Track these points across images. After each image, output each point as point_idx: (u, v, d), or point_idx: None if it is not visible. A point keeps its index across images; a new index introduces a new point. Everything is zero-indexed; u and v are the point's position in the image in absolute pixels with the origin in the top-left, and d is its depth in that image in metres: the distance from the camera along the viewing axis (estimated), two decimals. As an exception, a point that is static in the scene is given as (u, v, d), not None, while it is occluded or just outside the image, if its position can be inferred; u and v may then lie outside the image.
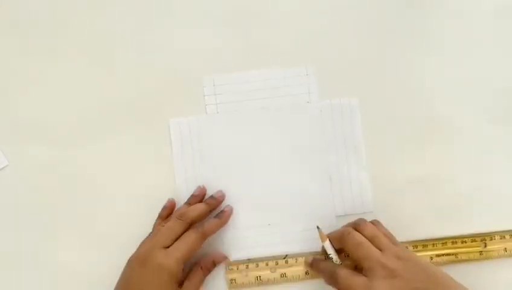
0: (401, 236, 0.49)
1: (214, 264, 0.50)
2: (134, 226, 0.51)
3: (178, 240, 0.46)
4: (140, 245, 0.47)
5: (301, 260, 0.50)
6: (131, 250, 0.50)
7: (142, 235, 0.51)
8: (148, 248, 0.46)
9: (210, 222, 0.49)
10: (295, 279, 0.50)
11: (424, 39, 0.53)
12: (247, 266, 0.50)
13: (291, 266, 0.50)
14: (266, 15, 0.53)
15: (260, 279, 0.50)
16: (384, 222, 0.48)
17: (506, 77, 0.53)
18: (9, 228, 0.51)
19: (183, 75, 0.53)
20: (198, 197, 0.51)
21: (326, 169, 0.52)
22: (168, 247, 0.46)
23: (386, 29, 0.53)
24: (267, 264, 0.50)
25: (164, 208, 0.51)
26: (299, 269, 0.50)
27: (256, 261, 0.50)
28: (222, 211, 0.50)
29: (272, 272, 0.50)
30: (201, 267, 0.49)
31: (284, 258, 0.50)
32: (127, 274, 0.46)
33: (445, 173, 0.52)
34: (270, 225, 0.51)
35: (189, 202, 0.50)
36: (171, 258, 0.45)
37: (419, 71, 0.53)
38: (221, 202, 0.51)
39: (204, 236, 0.48)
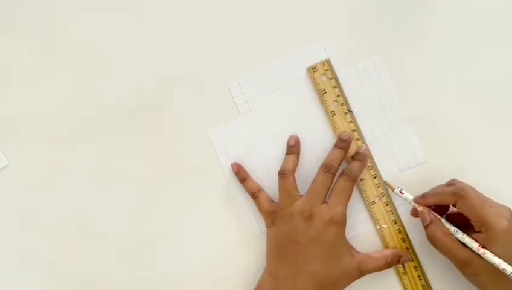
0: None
1: (399, 262, 0.50)
2: (135, 226, 0.51)
3: (335, 192, 0.48)
4: (295, 203, 0.48)
5: None
6: (131, 250, 0.51)
7: (143, 236, 0.51)
8: (307, 205, 0.48)
9: (356, 167, 0.50)
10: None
11: (424, 39, 0.53)
12: None
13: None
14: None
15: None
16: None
17: (506, 77, 0.53)
18: (10, 228, 0.51)
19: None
20: (296, 145, 0.51)
21: (369, 133, 0.52)
22: (325, 200, 0.48)
23: (385, 29, 0.53)
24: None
25: (237, 172, 0.52)
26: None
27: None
28: (360, 154, 0.51)
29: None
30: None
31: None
32: (290, 228, 0.48)
33: (445, 173, 0.52)
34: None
35: (290, 152, 0.51)
36: (337, 213, 0.47)
37: (419, 71, 0.53)
38: (351, 140, 0.51)
39: (355, 182, 0.50)
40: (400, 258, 0.50)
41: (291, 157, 0.51)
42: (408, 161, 0.52)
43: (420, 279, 0.51)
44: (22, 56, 0.52)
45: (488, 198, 0.47)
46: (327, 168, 0.49)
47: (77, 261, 0.51)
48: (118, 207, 0.51)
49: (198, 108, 0.52)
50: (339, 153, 0.50)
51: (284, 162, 0.51)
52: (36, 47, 0.52)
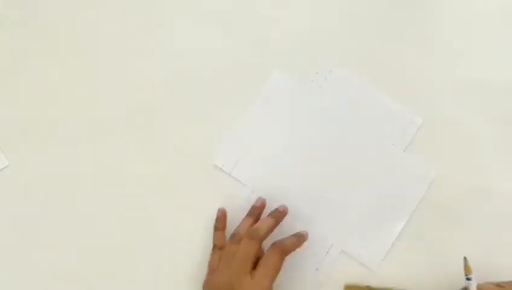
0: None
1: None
2: (135, 227, 0.51)
3: (262, 265, 0.45)
4: (217, 272, 0.46)
5: None
6: (131, 252, 0.51)
7: (142, 237, 0.51)
8: (232, 276, 0.45)
9: (289, 241, 0.47)
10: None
11: (424, 39, 0.53)
12: None
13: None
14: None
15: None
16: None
17: (506, 77, 0.53)
18: (9, 228, 0.51)
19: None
20: (260, 208, 0.50)
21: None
22: (250, 270, 0.45)
23: (385, 29, 0.53)
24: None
25: (218, 219, 0.50)
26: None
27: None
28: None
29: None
30: None
31: None
32: None
33: (445, 173, 0.52)
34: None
35: (251, 214, 0.50)
36: (263, 288, 0.44)
37: (419, 71, 0.53)
38: (286, 215, 0.50)
39: (286, 255, 0.46)
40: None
41: (248, 220, 0.49)
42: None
43: None
44: (22, 56, 0.52)
45: None
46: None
47: (77, 261, 0.51)
48: (118, 207, 0.51)
49: (198, 108, 0.52)
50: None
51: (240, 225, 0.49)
52: (36, 47, 0.52)
